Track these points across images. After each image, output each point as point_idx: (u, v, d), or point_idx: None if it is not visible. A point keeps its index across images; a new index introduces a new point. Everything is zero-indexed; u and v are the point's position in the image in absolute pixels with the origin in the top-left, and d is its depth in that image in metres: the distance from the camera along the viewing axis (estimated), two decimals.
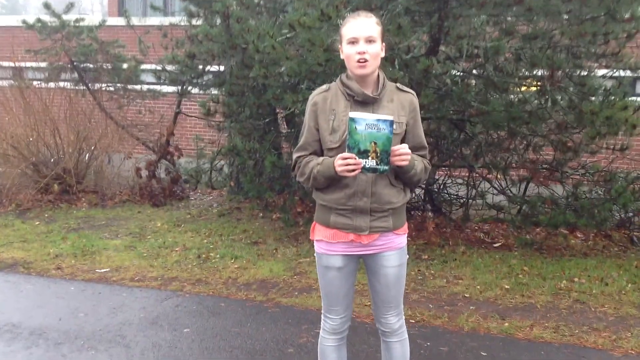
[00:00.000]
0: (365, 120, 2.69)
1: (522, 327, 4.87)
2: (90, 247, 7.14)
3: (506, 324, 4.93)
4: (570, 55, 6.70)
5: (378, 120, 2.70)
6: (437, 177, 8.53)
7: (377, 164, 2.76)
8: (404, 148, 2.83)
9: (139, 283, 6.01)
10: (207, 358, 4.36)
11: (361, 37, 2.84)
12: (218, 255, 6.79)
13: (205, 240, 7.48)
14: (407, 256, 3.20)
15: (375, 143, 2.71)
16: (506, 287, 5.75)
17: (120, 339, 4.70)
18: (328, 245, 3.07)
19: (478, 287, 5.78)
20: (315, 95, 3.02)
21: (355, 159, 2.74)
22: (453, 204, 8.29)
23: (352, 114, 2.72)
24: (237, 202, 9.47)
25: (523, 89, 7.04)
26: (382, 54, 2.93)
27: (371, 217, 2.98)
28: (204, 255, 6.81)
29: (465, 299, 5.51)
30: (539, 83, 6.69)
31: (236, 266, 6.44)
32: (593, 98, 6.44)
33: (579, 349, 4.51)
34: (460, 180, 8.35)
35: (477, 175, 7.91)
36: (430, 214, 8.18)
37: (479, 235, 7.51)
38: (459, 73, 6.89)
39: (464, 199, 8.18)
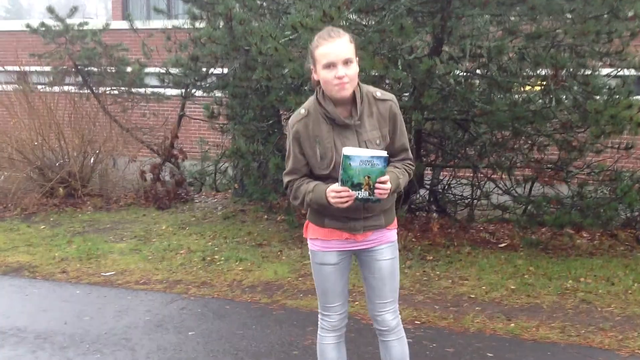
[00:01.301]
0: (360, 157, 2.71)
1: (528, 327, 4.85)
2: (95, 251, 7.14)
3: (512, 324, 4.91)
4: (574, 54, 6.69)
5: (372, 157, 2.72)
6: (441, 177, 8.52)
7: (369, 195, 2.81)
8: (386, 183, 2.82)
9: (144, 286, 6.01)
10: None
11: (338, 60, 2.79)
12: (223, 258, 6.79)
13: (210, 243, 7.48)
14: (398, 251, 3.23)
15: (368, 177, 2.75)
16: (512, 287, 5.73)
17: (126, 342, 4.70)
18: (323, 243, 3.11)
19: (484, 287, 5.76)
20: (295, 123, 2.97)
21: (349, 191, 2.78)
22: (458, 205, 8.27)
23: (347, 151, 2.71)
24: (242, 205, 9.47)
25: (527, 88, 7.02)
26: (358, 70, 2.89)
27: (364, 219, 3.04)
28: (208, 258, 6.81)
29: (471, 300, 5.49)
30: (543, 82, 6.67)
31: (241, 268, 6.44)
32: (597, 97, 6.42)
33: (586, 349, 4.49)
34: (464, 181, 8.34)
35: (481, 175, 7.89)
36: (434, 214, 8.16)
37: (484, 236, 7.49)
38: (462, 73, 6.88)
39: (469, 200, 8.17)
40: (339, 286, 3.18)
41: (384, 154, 2.76)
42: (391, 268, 3.17)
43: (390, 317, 3.24)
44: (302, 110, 2.98)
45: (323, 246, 3.12)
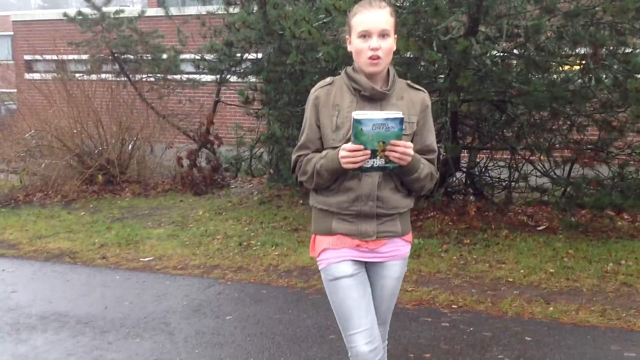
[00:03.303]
0: (372, 120, 2.40)
1: (567, 311, 4.78)
2: (134, 237, 7.24)
3: (551, 308, 4.85)
4: (614, 32, 6.53)
5: (386, 119, 2.41)
6: (478, 160, 8.43)
7: (386, 162, 2.50)
8: (408, 147, 2.51)
9: (182, 271, 6.08)
10: (249, 344, 4.38)
11: (374, 30, 2.55)
12: (259, 243, 6.82)
13: (246, 228, 7.52)
14: (406, 268, 2.90)
15: (383, 142, 2.44)
16: (551, 270, 5.66)
17: (165, 326, 4.76)
18: (334, 252, 2.72)
19: (522, 271, 5.69)
20: (318, 89, 2.72)
21: (363, 149, 2.45)
22: (495, 187, 8.18)
23: (356, 115, 2.41)
24: (277, 190, 9.51)
25: (566, 67, 6.89)
26: (394, 48, 2.64)
27: (378, 221, 2.69)
28: (245, 243, 6.85)
29: (509, 284, 5.43)
30: (582, 61, 6.53)
31: (277, 253, 6.46)
32: (638, 76, 6.26)
33: (626, 332, 4.41)
34: (502, 163, 8.24)
35: (519, 157, 7.78)
36: (471, 197, 8.09)
37: (522, 219, 7.40)
38: (499, 53, 6.77)
39: (506, 182, 8.06)
40: (364, 303, 2.72)
41: (400, 114, 2.42)
42: (395, 287, 2.84)
43: None
44: (327, 79, 2.75)
45: (334, 256, 2.72)
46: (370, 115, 2.42)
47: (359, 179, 2.62)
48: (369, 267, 2.80)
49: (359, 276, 2.73)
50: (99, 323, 4.85)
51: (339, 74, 2.78)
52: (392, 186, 2.66)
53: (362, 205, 2.65)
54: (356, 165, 2.49)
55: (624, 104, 6.56)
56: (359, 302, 2.70)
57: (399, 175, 2.64)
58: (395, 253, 2.77)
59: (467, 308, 4.93)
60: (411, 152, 2.52)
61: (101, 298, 5.42)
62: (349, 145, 2.48)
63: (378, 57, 2.57)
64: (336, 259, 2.72)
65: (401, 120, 2.42)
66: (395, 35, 2.66)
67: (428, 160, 2.73)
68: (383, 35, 2.57)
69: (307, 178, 2.70)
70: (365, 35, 2.57)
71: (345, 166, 2.51)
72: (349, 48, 2.68)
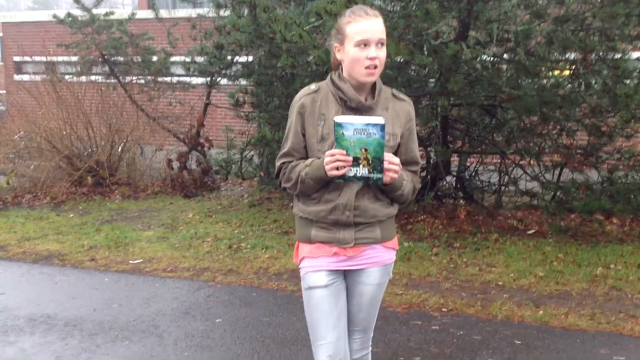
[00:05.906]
0: (354, 125, 2.40)
1: (557, 315, 4.80)
2: (123, 239, 7.21)
3: (541, 312, 4.87)
4: (603, 37, 6.57)
5: (367, 124, 2.40)
6: (468, 164, 8.46)
7: (369, 172, 2.47)
8: (396, 160, 2.52)
9: (172, 274, 6.06)
10: (239, 347, 4.37)
11: (373, 40, 2.52)
12: (249, 246, 6.81)
13: (236, 231, 7.51)
14: (391, 276, 2.86)
15: (365, 149, 2.42)
16: (540, 274, 5.68)
17: (154, 329, 4.74)
18: (311, 261, 2.73)
19: (511, 274, 5.71)
20: (303, 97, 2.66)
21: (345, 154, 2.43)
22: (485, 191, 8.21)
23: (338, 119, 2.41)
24: (268, 192, 9.50)
25: (555, 72, 6.92)
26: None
27: (356, 229, 2.66)
28: (235, 246, 6.84)
29: (499, 287, 5.45)
30: (571, 66, 6.57)
31: (267, 256, 6.45)
32: (627, 81, 6.31)
33: (615, 336, 4.43)
34: (492, 167, 8.27)
35: (509, 161, 7.81)
36: (461, 201, 8.11)
37: (512, 223, 7.42)
38: (489, 58, 6.80)
39: (496, 186, 8.10)
40: (333, 316, 2.70)
41: (381, 120, 2.40)
42: (374, 295, 2.79)
43: (356, 346, 2.85)
44: (312, 86, 2.69)
45: (311, 265, 2.72)
46: (352, 119, 2.42)
47: (339, 190, 2.60)
48: (347, 275, 2.77)
49: (333, 287, 2.71)
50: (88, 326, 4.82)
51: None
52: (371, 195, 2.64)
53: (339, 215, 2.63)
54: (339, 172, 2.47)
55: (613, 109, 6.60)
56: (328, 315, 2.69)
57: (379, 188, 2.62)
58: (375, 259, 2.73)
59: (457, 311, 4.94)
60: (399, 167, 2.53)
61: (90, 300, 5.39)
62: (332, 150, 2.47)
63: (375, 67, 2.54)
64: (313, 269, 2.72)
65: (382, 127, 2.40)
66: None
67: (412, 172, 2.74)
68: (380, 44, 2.55)
69: (291, 185, 2.67)
70: (364, 44, 2.53)
71: (329, 173, 2.49)
72: (339, 57, 2.63)
